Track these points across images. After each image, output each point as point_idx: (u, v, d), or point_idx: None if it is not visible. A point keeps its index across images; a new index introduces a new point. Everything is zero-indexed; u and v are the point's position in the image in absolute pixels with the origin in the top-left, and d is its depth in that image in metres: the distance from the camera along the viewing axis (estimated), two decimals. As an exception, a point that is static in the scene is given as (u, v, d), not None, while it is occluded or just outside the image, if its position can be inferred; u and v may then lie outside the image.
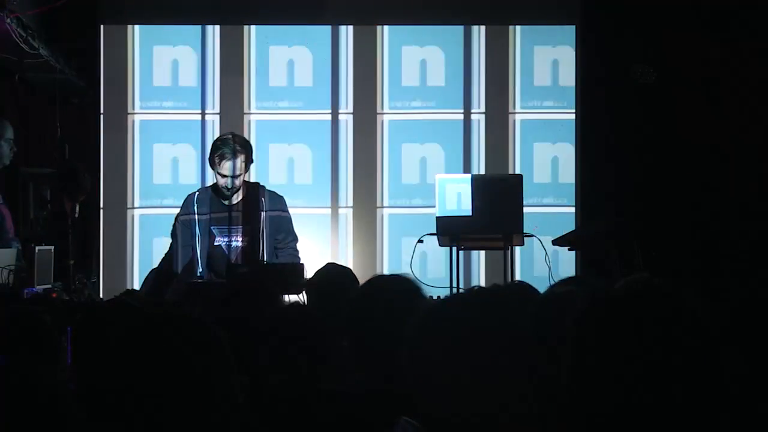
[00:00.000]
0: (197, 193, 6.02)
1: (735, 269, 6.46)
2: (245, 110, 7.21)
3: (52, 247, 5.49)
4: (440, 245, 5.84)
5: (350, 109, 7.26)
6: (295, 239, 5.97)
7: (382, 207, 7.22)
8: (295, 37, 7.25)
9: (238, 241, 5.89)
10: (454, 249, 5.71)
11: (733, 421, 1.56)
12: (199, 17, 7.20)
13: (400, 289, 2.69)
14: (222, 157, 5.80)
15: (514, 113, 7.28)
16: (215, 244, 5.87)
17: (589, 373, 1.55)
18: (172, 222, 5.99)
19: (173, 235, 5.95)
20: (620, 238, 5.75)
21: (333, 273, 4.17)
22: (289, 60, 7.25)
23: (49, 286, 5.39)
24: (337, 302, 3.26)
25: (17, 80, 6.01)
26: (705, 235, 6.89)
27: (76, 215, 5.74)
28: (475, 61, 7.27)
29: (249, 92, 7.22)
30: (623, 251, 5.66)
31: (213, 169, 5.89)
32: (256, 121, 7.22)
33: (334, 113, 7.26)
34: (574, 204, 7.21)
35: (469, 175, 5.89)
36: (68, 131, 6.22)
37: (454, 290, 5.57)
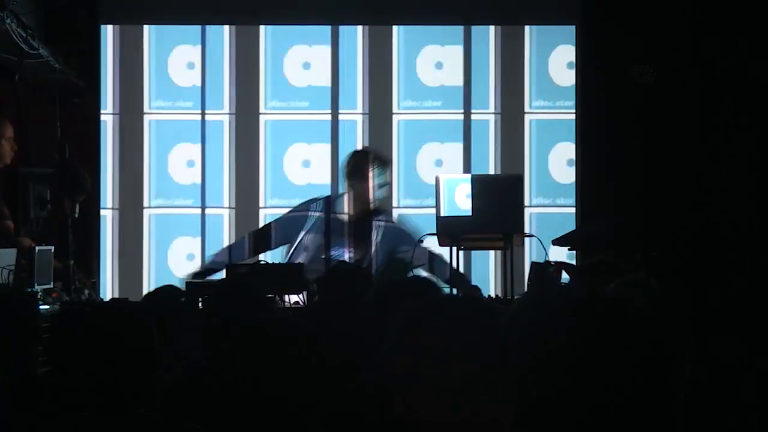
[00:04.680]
0: (313, 204, 6.18)
1: (734, 269, 6.46)
2: (260, 110, 7.22)
3: (52, 247, 5.50)
4: (440, 245, 5.84)
5: (365, 109, 7.26)
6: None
7: (398, 207, 7.22)
8: (309, 37, 7.24)
9: (346, 253, 5.97)
10: (455, 249, 5.72)
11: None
12: (201, 17, 7.21)
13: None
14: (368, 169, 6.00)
15: (529, 113, 7.29)
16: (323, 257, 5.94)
17: (553, 374, 1.56)
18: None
19: (265, 234, 6.10)
20: (620, 238, 5.76)
21: (342, 271, 4.20)
22: (303, 60, 7.25)
23: (50, 285, 5.39)
24: (348, 300, 3.27)
25: (17, 80, 6.01)
26: (705, 235, 6.89)
27: (76, 215, 5.74)
28: (480, 61, 7.27)
29: (264, 92, 7.22)
30: (623, 251, 5.66)
31: (352, 179, 6.03)
32: (269, 121, 7.23)
33: (343, 113, 7.25)
34: (574, 204, 7.22)
35: (469, 175, 5.89)
36: (68, 131, 6.23)
37: (454, 290, 5.59)
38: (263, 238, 6.20)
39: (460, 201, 5.62)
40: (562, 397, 1.54)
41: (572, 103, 7.24)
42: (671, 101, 7.07)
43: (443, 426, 1.65)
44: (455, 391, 1.65)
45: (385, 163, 6.17)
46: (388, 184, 6.18)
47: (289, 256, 6.09)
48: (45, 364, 3.01)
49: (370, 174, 6.07)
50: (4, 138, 5.92)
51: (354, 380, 2.48)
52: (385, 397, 1.71)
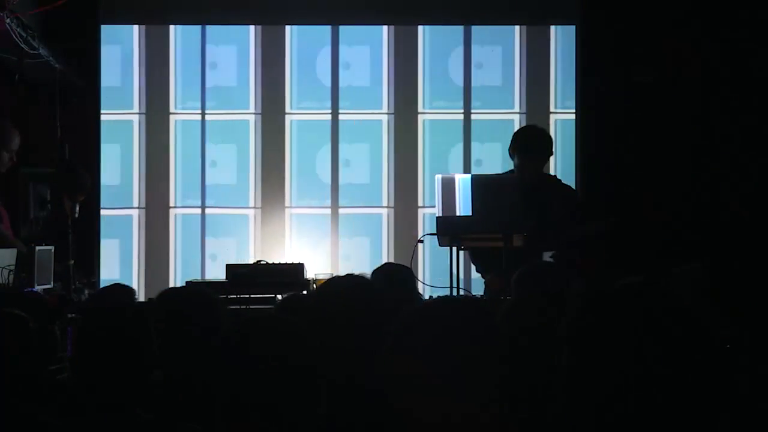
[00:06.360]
0: None
1: (735, 268, 6.46)
2: (171, 110, 7.23)
3: (52, 247, 5.50)
4: (440, 245, 5.84)
5: (260, 108, 7.26)
6: None
7: (291, 207, 7.20)
8: (216, 37, 7.25)
9: None
10: (455, 249, 5.71)
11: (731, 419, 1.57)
12: (203, 17, 7.22)
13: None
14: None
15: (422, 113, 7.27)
16: None
17: (585, 369, 1.56)
18: None
19: None
20: (619, 239, 5.75)
21: (394, 272, 4.20)
22: (211, 60, 7.25)
23: (50, 286, 5.39)
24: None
25: (17, 80, 6.01)
26: (705, 234, 6.89)
27: (76, 215, 5.74)
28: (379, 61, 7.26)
29: (175, 91, 7.24)
30: (623, 252, 5.66)
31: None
32: (180, 121, 7.23)
33: (242, 113, 7.27)
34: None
35: (468, 175, 5.88)
36: (68, 131, 6.23)
37: (454, 291, 5.58)
38: None
39: (459, 201, 5.62)
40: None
41: (475, 104, 7.23)
42: (671, 101, 7.07)
43: (439, 426, 1.66)
44: (450, 392, 1.66)
45: (514, 143, 6.02)
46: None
47: None
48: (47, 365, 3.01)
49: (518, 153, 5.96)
50: (6, 149, 5.92)
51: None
52: (382, 399, 1.71)
